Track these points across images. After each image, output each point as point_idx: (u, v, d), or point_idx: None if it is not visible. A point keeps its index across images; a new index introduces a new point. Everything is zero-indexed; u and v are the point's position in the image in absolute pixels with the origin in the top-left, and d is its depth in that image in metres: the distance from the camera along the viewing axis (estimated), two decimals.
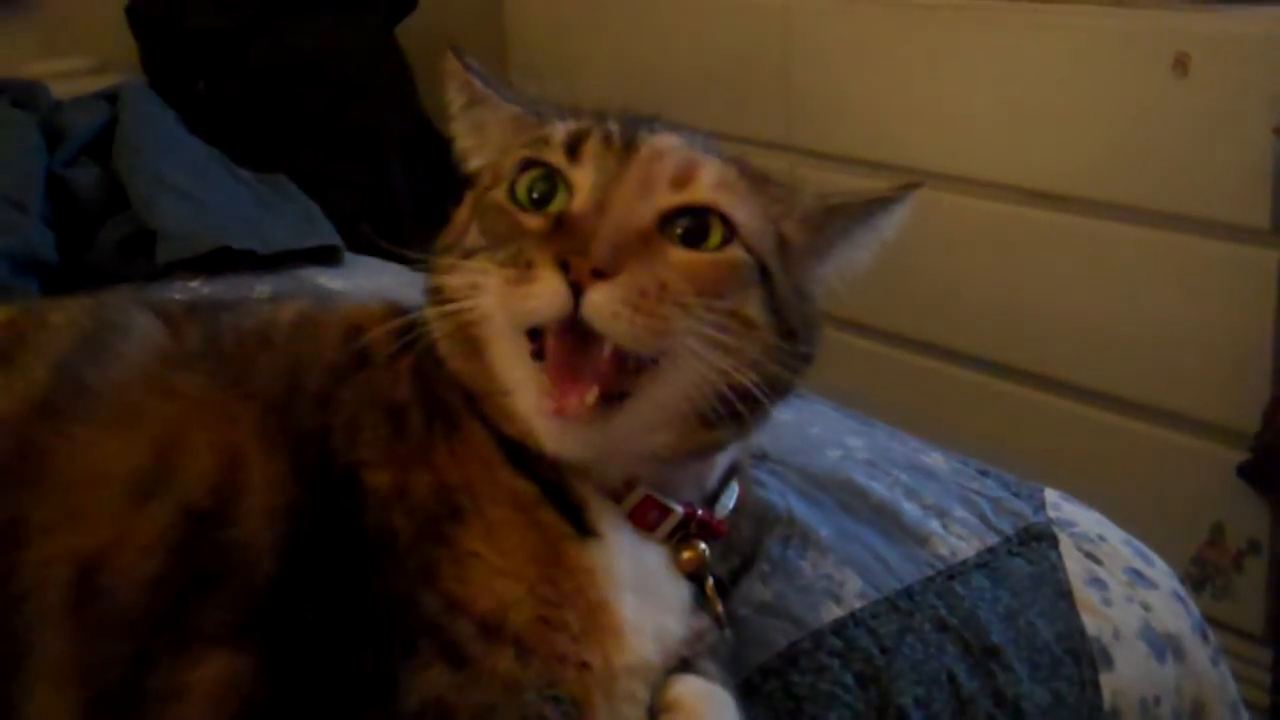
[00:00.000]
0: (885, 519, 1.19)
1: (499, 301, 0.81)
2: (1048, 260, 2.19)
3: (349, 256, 1.98)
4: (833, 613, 1.07)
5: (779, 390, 0.88)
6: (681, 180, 0.85)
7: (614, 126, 0.88)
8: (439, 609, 0.82)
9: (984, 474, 1.30)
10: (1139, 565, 1.22)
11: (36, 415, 0.87)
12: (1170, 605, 1.20)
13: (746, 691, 0.97)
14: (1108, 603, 1.17)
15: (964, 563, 1.15)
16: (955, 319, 2.35)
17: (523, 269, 0.80)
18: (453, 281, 0.85)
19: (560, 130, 0.88)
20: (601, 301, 0.78)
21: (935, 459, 1.31)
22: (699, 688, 0.90)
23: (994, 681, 1.06)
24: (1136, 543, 1.26)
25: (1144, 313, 2.05)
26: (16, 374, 0.90)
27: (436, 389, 0.89)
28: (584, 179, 0.85)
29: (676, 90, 2.75)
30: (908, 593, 1.10)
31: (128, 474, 0.85)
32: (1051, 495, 1.28)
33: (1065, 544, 1.20)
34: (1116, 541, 1.24)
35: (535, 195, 0.86)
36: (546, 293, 0.78)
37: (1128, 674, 1.14)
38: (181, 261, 1.77)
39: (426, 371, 0.89)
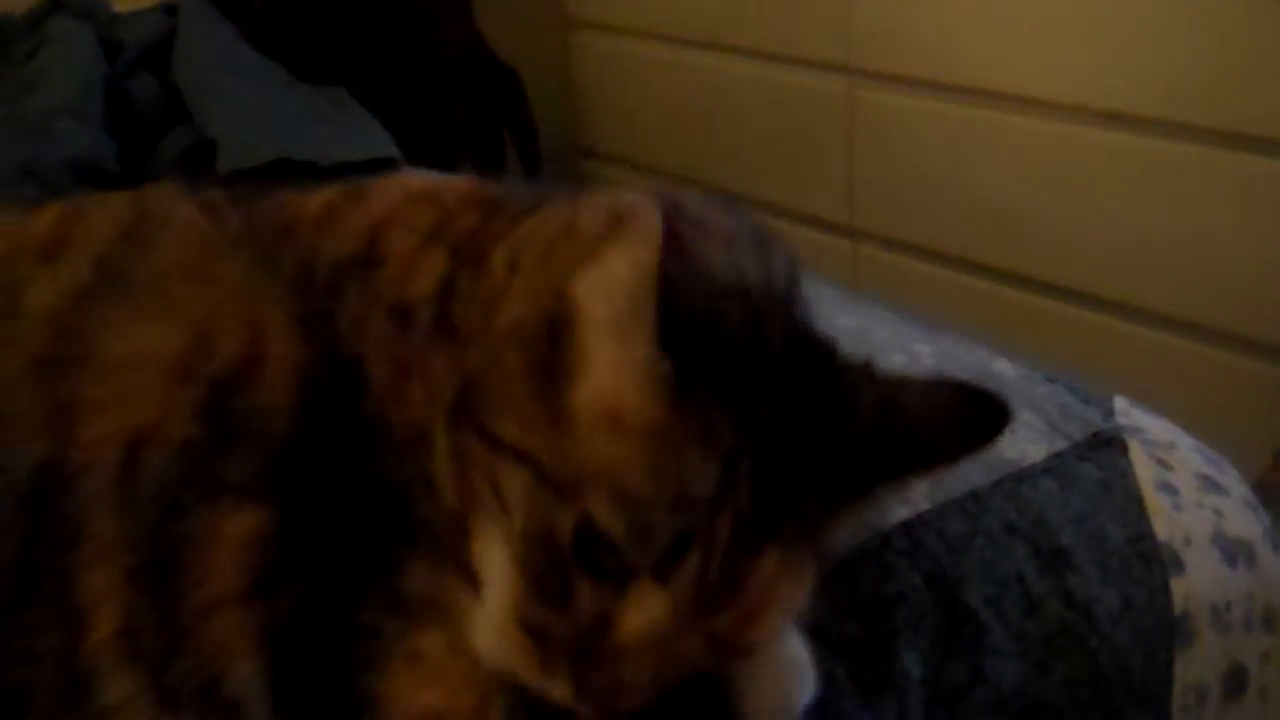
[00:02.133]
0: None
1: None
2: (1111, 181, 2.16)
3: (407, 169, 1.98)
4: (900, 514, 1.05)
5: None
6: (749, 624, 0.76)
7: (718, 544, 0.73)
8: (433, 513, 0.82)
9: (1051, 381, 1.28)
10: (1210, 472, 1.21)
11: (80, 305, 0.89)
12: (1242, 512, 1.18)
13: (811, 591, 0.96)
14: (1178, 508, 1.15)
15: (1032, 466, 1.13)
16: (1018, 242, 2.33)
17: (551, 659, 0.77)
18: None
19: (652, 546, 0.72)
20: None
21: (1002, 365, 1.29)
22: None
23: (1064, 583, 1.05)
24: (1207, 450, 1.24)
25: (1211, 234, 2.03)
26: (62, 270, 0.91)
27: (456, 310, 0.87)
28: (641, 603, 0.74)
29: (731, 9, 2.73)
30: (975, 495, 1.09)
31: (169, 358, 0.86)
32: (1120, 402, 1.26)
33: (1135, 450, 1.19)
34: (1187, 448, 1.22)
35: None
36: None
37: (1199, 579, 1.12)
38: (241, 172, 1.76)
39: (458, 287, 0.87)
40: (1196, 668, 1.11)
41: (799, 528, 0.76)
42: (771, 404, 0.74)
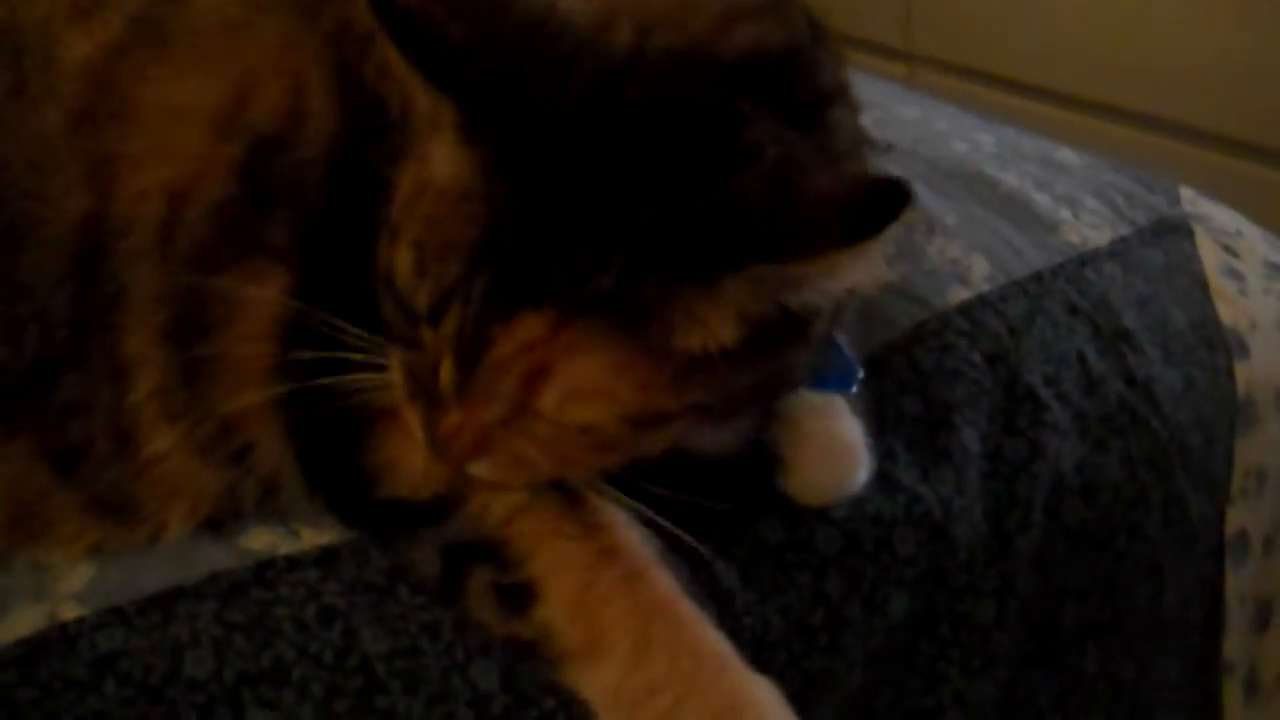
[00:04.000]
0: (1015, 208, 1.15)
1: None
2: (1176, 3, 2.10)
3: None
4: (960, 295, 1.05)
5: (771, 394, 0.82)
6: (529, 391, 0.71)
7: (474, 302, 0.69)
8: None
9: (1117, 170, 1.26)
10: (1277, 259, 1.19)
11: (115, 59, 0.88)
12: None
13: (871, 368, 0.96)
14: (1244, 294, 1.14)
15: (1095, 250, 1.12)
16: (1079, 64, 2.27)
17: (414, 405, 0.76)
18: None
19: (424, 296, 0.72)
20: (474, 471, 0.76)
21: (1066, 155, 1.27)
22: None
23: (1125, 363, 1.04)
24: (1275, 238, 1.22)
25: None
26: (96, 24, 0.90)
27: None
28: (445, 356, 0.72)
29: None
30: (1037, 277, 1.08)
31: (209, 111, 0.86)
32: (1187, 192, 1.24)
33: (1201, 236, 1.17)
34: (1254, 236, 1.20)
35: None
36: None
37: (1263, 363, 1.11)
38: None
39: None
40: (1258, 451, 1.11)
41: (604, 299, 0.68)
42: (588, 165, 0.69)
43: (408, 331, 0.74)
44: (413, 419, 0.76)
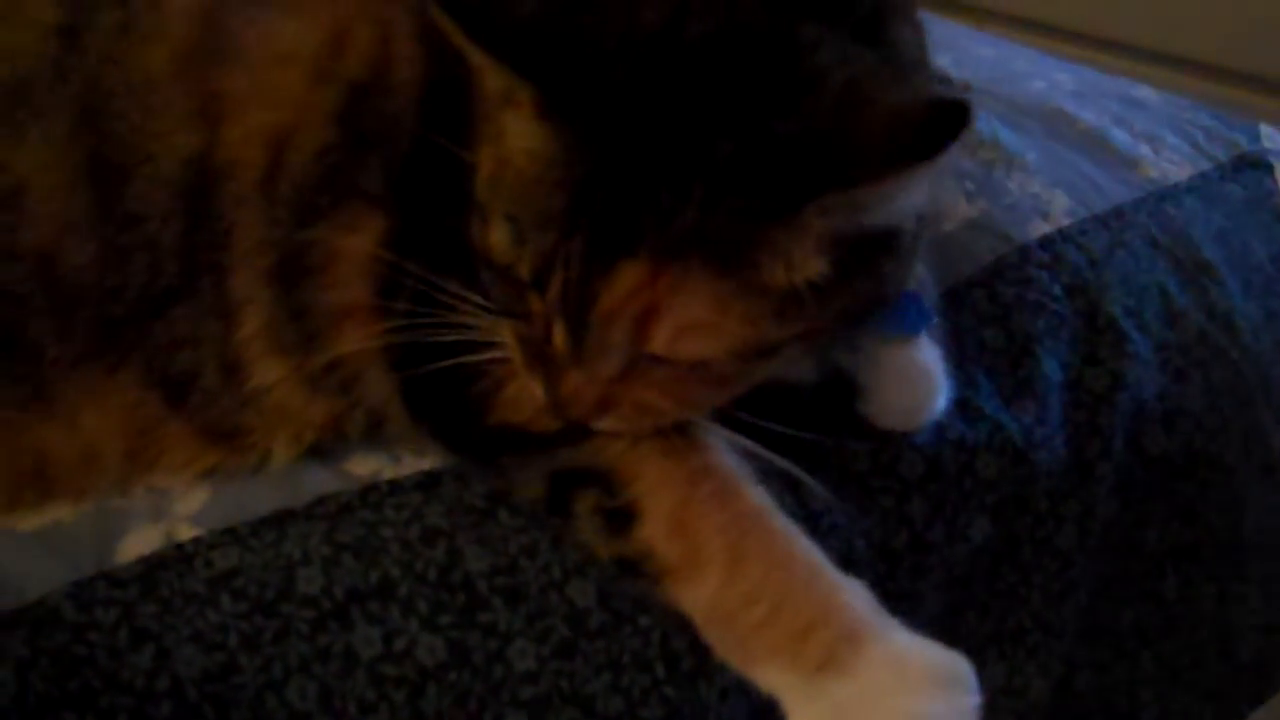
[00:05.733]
0: (1094, 145, 1.16)
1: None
2: None
3: None
4: (1040, 229, 1.06)
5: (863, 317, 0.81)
6: (641, 336, 0.73)
7: (574, 264, 0.71)
8: None
9: (1196, 108, 1.26)
10: None
11: (221, 3, 0.90)
12: None
13: (952, 301, 0.98)
14: None
15: (1175, 185, 1.13)
16: (1144, 13, 2.25)
17: (533, 373, 0.78)
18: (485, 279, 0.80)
19: (526, 265, 0.73)
20: (602, 426, 0.78)
21: (1145, 93, 1.28)
22: None
23: (1206, 296, 1.05)
24: None
25: None
26: None
27: None
28: (555, 319, 0.74)
29: None
30: (1117, 212, 1.09)
31: (307, 57, 0.88)
32: (1266, 129, 1.24)
33: None
34: None
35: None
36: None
37: None
38: None
39: None
40: None
41: (692, 237, 0.69)
42: (658, 109, 0.70)
43: (515, 303, 0.76)
44: (534, 386, 0.78)
